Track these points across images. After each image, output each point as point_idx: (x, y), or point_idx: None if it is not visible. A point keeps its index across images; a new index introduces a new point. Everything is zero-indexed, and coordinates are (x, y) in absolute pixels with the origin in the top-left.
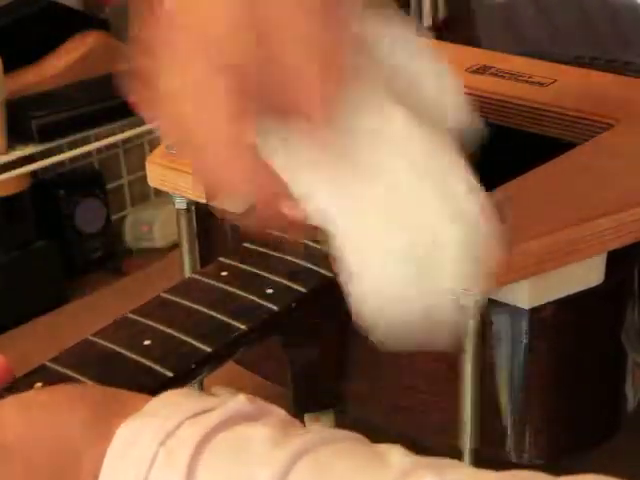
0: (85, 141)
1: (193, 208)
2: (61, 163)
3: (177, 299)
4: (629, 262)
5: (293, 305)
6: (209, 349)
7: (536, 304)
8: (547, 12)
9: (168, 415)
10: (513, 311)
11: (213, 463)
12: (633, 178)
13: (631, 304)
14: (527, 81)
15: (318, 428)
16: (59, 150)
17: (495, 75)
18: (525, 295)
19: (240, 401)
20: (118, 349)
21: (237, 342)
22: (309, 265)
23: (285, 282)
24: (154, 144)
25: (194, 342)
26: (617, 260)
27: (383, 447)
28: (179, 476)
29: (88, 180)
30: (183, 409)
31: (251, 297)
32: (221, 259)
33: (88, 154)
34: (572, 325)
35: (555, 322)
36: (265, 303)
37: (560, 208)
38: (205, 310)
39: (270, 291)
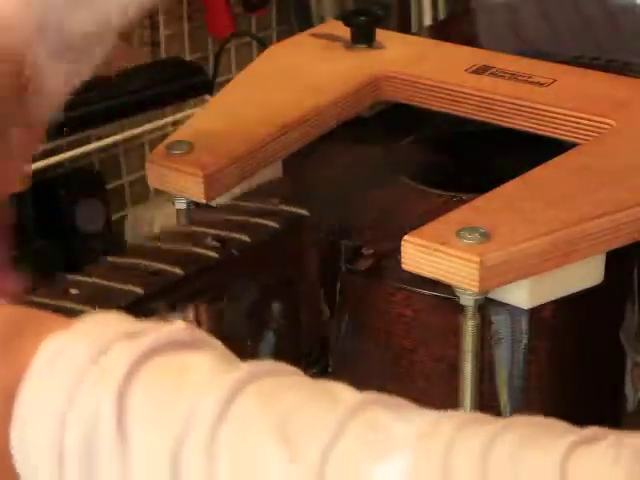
0: (85, 141)
1: (193, 208)
2: (61, 163)
3: (118, 259)
4: (628, 262)
5: (235, 253)
6: (141, 291)
7: (536, 304)
8: (547, 12)
9: (100, 333)
10: (513, 311)
11: (148, 387)
12: (633, 178)
13: (630, 304)
14: (527, 81)
15: (261, 361)
16: (59, 150)
17: (495, 75)
18: (525, 295)
19: (179, 327)
20: (43, 300)
21: (173, 287)
22: (254, 219)
23: (229, 234)
24: (154, 144)
25: (124, 286)
26: (616, 260)
27: (330, 383)
28: (109, 398)
29: (88, 180)
30: (116, 329)
31: (191, 248)
32: (164, 228)
33: (88, 154)
34: (571, 325)
35: (555, 322)
36: (205, 252)
37: (560, 208)
38: (142, 262)
39: (213, 243)
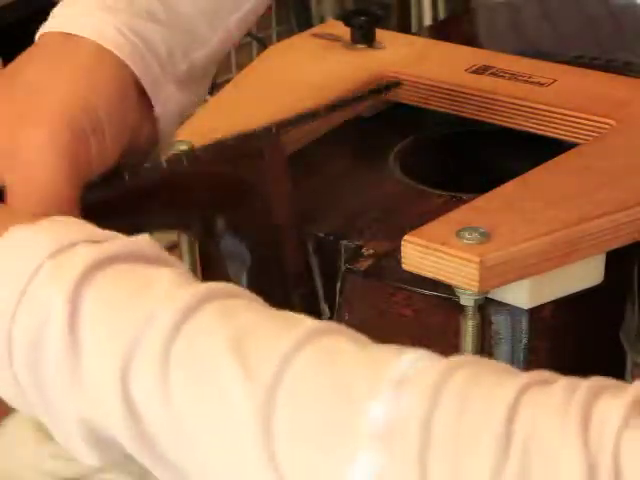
0: None
1: None
2: None
3: None
4: (628, 262)
5: (185, 162)
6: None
7: (536, 304)
8: (547, 12)
9: (63, 232)
10: (513, 311)
11: (105, 291)
12: (632, 178)
13: (630, 304)
14: (527, 81)
15: (223, 283)
16: None
17: (495, 75)
18: (525, 295)
19: (143, 241)
20: None
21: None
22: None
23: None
24: None
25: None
26: (616, 260)
27: (292, 313)
28: (62, 295)
29: None
30: (80, 232)
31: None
32: None
33: None
34: (571, 325)
35: (555, 322)
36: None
37: (559, 208)
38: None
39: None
